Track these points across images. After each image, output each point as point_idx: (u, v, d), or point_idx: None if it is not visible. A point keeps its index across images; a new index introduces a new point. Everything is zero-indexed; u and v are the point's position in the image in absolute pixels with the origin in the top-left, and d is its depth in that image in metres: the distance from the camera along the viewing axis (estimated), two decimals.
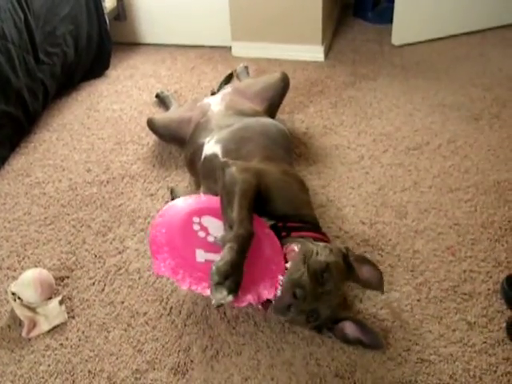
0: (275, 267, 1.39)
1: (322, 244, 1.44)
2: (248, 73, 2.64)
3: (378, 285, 1.44)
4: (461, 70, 2.78)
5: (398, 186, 1.98)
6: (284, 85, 2.23)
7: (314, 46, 2.93)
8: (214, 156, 1.77)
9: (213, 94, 2.39)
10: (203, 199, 1.58)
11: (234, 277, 1.27)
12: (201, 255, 1.38)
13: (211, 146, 1.81)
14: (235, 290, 1.27)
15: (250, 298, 1.32)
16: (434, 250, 1.70)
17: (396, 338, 1.43)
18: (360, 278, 1.45)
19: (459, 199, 1.90)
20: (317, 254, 1.38)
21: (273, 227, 1.52)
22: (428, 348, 1.41)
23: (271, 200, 1.54)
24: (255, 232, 1.39)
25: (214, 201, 1.56)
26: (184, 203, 1.53)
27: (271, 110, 2.17)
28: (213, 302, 1.26)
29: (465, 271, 1.62)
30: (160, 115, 2.34)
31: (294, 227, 1.52)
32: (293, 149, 2.06)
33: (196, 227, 1.45)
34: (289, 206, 1.57)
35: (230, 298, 1.26)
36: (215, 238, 1.43)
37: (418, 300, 1.54)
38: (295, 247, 1.42)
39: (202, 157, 1.83)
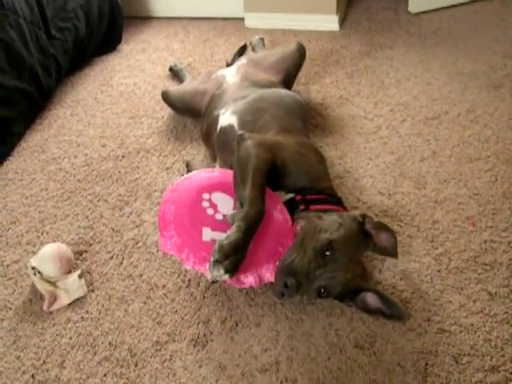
0: (282, 249, 1.38)
1: (332, 218, 1.42)
2: (264, 44, 2.60)
3: (391, 251, 1.43)
4: (480, 37, 2.72)
5: (416, 156, 1.95)
6: (300, 55, 2.19)
7: (329, 15, 2.88)
8: (230, 127, 1.75)
9: (228, 65, 2.36)
10: (216, 174, 1.57)
11: (234, 257, 1.28)
12: (207, 234, 1.38)
13: (227, 118, 1.79)
14: (233, 270, 1.28)
15: (251, 280, 1.33)
16: (454, 221, 1.68)
17: (416, 309, 1.43)
18: (377, 245, 1.44)
19: (479, 169, 1.87)
20: (319, 231, 1.37)
21: (291, 201, 1.51)
22: (448, 318, 1.40)
23: (288, 173, 1.53)
24: (267, 210, 1.38)
25: (227, 175, 1.54)
26: (196, 178, 1.52)
27: (287, 81, 2.14)
28: (208, 277, 1.30)
29: (485, 241, 1.60)
30: (175, 88, 2.32)
31: (313, 200, 1.50)
32: (309, 120, 2.03)
33: (205, 204, 1.45)
34: (306, 178, 1.55)
35: (226, 277, 1.27)
36: (224, 215, 1.42)
37: (438, 271, 1.52)
38: (300, 225, 1.42)
39: (218, 128, 1.81)
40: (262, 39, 2.62)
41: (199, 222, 1.40)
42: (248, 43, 2.63)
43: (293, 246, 1.36)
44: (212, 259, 1.27)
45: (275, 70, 2.13)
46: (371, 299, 1.40)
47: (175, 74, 2.56)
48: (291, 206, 1.50)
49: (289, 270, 1.31)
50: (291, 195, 1.52)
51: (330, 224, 1.39)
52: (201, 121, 2.03)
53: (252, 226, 1.33)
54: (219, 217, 1.43)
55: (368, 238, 1.43)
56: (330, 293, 1.37)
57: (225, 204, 1.47)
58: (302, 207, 1.49)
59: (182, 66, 2.57)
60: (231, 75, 2.06)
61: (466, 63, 2.50)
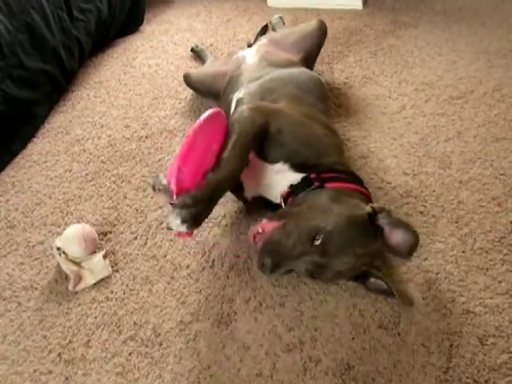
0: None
1: (335, 204, 1.34)
2: (283, 23, 2.57)
3: (405, 251, 1.33)
4: (506, 14, 2.66)
5: (441, 135, 1.92)
6: (321, 33, 2.15)
7: None
8: None
9: (249, 46, 2.34)
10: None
11: (195, 209, 1.26)
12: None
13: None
14: (189, 220, 1.25)
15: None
16: (480, 201, 1.65)
17: (440, 290, 1.41)
18: (387, 242, 1.34)
19: (505, 149, 1.84)
20: (314, 216, 1.31)
21: (306, 179, 1.46)
22: (473, 299, 1.38)
23: (284, 142, 1.47)
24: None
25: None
26: (216, 116, 1.45)
27: (309, 60, 2.11)
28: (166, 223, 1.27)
29: (511, 222, 1.58)
30: (196, 70, 2.31)
31: (329, 178, 1.44)
32: (328, 97, 2.00)
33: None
34: (308, 152, 1.48)
35: (183, 228, 1.25)
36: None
37: (463, 251, 1.51)
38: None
39: (231, 112, 1.77)
40: (281, 18, 2.58)
41: (206, 167, 1.36)
42: (268, 23, 2.61)
43: (283, 225, 1.32)
44: (171, 206, 1.26)
45: (296, 49, 2.09)
46: (377, 285, 1.39)
47: (197, 55, 2.55)
48: (304, 186, 1.45)
49: (268, 249, 1.29)
50: (302, 175, 1.46)
51: (328, 211, 1.32)
52: (219, 104, 2.00)
53: (223, 183, 1.32)
54: None
55: (378, 232, 1.34)
56: (321, 278, 1.34)
57: None
58: (316, 184, 1.43)
59: (203, 46, 2.56)
60: (251, 56, 2.03)
61: (492, 41, 2.45)
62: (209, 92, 2.15)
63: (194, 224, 1.28)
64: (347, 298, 1.42)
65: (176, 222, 1.25)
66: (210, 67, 2.27)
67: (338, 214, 1.31)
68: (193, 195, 1.27)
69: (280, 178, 1.49)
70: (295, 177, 1.48)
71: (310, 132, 1.53)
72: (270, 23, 2.58)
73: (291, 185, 1.47)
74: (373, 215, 1.33)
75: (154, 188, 1.52)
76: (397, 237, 1.32)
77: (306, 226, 1.30)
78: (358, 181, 1.50)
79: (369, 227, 1.33)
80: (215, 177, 1.31)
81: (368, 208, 1.34)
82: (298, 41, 2.12)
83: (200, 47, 2.56)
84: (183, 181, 1.30)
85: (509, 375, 1.22)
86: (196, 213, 1.27)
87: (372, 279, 1.39)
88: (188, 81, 2.22)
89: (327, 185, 1.43)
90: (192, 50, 2.58)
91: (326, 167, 1.47)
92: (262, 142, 1.46)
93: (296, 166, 1.48)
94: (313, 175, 1.45)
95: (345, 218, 1.30)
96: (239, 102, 1.72)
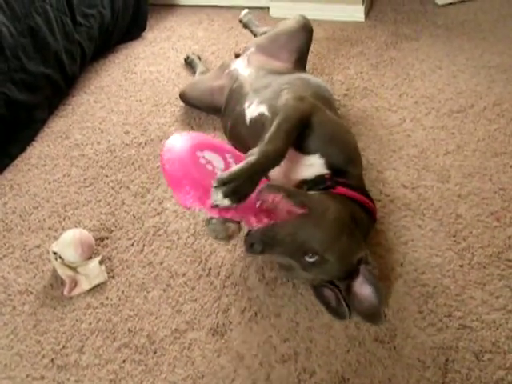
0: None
1: (342, 235, 1.33)
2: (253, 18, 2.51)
3: (364, 307, 1.35)
4: (508, 29, 2.66)
5: (440, 149, 1.92)
6: (307, 33, 2.08)
7: (355, 5, 2.84)
8: (261, 115, 1.68)
9: (237, 56, 2.30)
10: (194, 135, 1.50)
11: (234, 183, 1.25)
12: None
13: (255, 109, 1.72)
14: (232, 195, 1.24)
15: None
16: (478, 215, 1.65)
17: (437, 304, 1.41)
18: (353, 288, 1.37)
19: (505, 163, 1.84)
20: (314, 235, 1.30)
21: (319, 177, 1.46)
22: (470, 314, 1.38)
23: (324, 137, 1.47)
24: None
25: (203, 136, 1.52)
26: (182, 139, 1.45)
27: (301, 62, 2.08)
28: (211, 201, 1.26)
29: (509, 237, 1.57)
30: (189, 87, 2.26)
31: (342, 182, 1.45)
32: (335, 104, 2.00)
33: (202, 161, 1.40)
34: (345, 155, 1.51)
35: (226, 202, 1.24)
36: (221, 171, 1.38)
37: (461, 266, 1.50)
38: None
39: (248, 121, 1.74)
40: (250, 13, 2.52)
41: (207, 176, 1.35)
42: (239, 21, 2.54)
43: (291, 222, 1.30)
44: (212, 186, 1.25)
45: (287, 52, 2.04)
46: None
47: (190, 66, 2.54)
48: (318, 183, 1.45)
49: (266, 238, 1.27)
50: (324, 172, 1.47)
51: (338, 242, 1.32)
52: (223, 118, 1.98)
53: (263, 161, 1.31)
54: (218, 172, 1.38)
55: (352, 274, 1.37)
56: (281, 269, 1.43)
57: (217, 162, 1.43)
58: (328, 183, 1.44)
59: (194, 56, 2.56)
60: (243, 67, 1.99)
61: (492, 56, 2.45)
62: (208, 107, 2.15)
63: (237, 198, 1.26)
64: None
65: (218, 197, 1.24)
66: (204, 83, 2.21)
67: (341, 255, 1.32)
68: (229, 171, 1.27)
69: (310, 172, 1.49)
70: (318, 168, 1.49)
71: (347, 136, 1.57)
72: (241, 22, 2.52)
73: (305, 179, 1.47)
74: (363, 260, 1.35)
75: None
76: (363, 293, 1.35)
77: (312, 241, 1.29)
78: (369, 196, 1.52)
79: (351, 269, 1.36)
80: (255, 156, 1.31)
81: (363, 253, 1.35)
82: (285, 43, 2.05)
83: (191, 57, 2.54)
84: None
85: None
86: (235, 187, 1.25)
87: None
88: (184, 99, 2.22)
89: (338, 188, 1.44)
90: (185, 61, 2.58)
91: (350, 177, 1.49)
92: (302, 131, 1.46)
93: (329, 164, 1.48)
94: (327, 175, 1.47)
95: (343, 256, 1.33)
96: (261, 115, 1.69)
